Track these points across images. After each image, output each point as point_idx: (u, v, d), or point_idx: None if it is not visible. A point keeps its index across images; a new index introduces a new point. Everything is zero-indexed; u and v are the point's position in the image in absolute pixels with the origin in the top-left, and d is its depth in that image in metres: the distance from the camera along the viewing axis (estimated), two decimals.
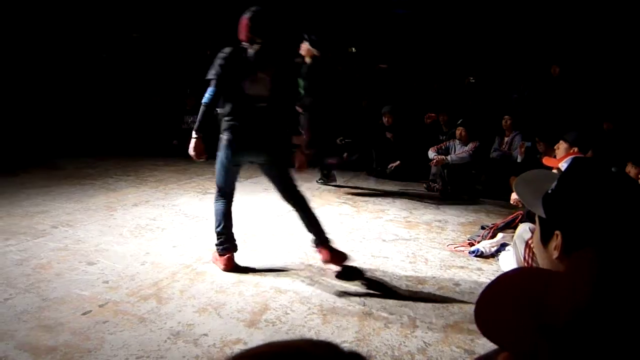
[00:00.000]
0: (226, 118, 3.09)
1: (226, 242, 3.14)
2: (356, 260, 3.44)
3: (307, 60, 5.61)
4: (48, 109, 7.99)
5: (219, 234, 3.17)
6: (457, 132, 6.38)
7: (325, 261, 3.21)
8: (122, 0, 9.18)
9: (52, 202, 4.48)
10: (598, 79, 7.29)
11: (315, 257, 3.42)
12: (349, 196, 5.69)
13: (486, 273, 3.35)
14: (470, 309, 2.72)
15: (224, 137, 3.13)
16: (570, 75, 7.26)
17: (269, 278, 2.99)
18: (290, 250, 3.57)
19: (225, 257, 3.10)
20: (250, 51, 3.00)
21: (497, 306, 0.78)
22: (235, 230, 3.91)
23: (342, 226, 4.35)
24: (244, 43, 3.05)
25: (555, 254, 0.89)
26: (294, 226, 4.22)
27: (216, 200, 3.30)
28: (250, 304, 2.60)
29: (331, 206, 5.12)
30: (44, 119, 7.89)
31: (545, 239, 0.94)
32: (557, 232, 0.89)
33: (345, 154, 7.78)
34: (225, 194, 3.29)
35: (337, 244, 3.76)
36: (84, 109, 8.44)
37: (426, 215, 5.00)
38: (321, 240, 3.25)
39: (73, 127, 8.18)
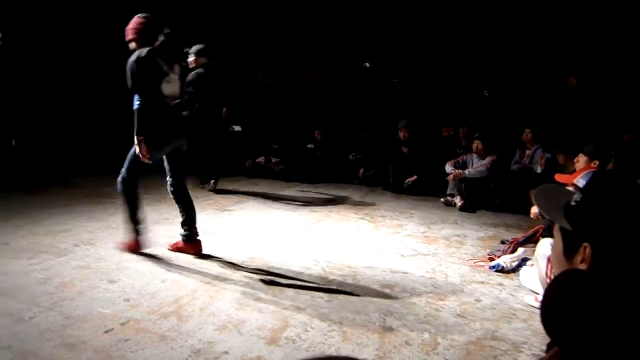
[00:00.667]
0: (147, 117, 3.43)
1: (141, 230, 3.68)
2: (375, 276, 3.42)
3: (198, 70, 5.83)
4: (66, 127, 8.15)
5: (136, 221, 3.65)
6: (474, 146, 6.36)
7: (178, 249, 3.75)
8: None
9: (74, 221, 4.55)
10: (616, 89, 7.21)
11: (335, 274, 3.42)
12: (367, 211, 5.68)
13: (507, 288, 3.30)
14: (492, 325, 2.68)
15: (147, 134, 3.48)
16: (588, 86, 7.20)
17: (288, 295, 2.99)
18: (309, 266, 3.57)
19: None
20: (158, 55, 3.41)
21: (564, 308, 0.78)
22: (253, 246, 3.96)
23: (360, 242, 4.34)
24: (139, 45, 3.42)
25: (582, 267, 0.88)
26: (311, 242, 4.24)
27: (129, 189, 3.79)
28: (270, 321, 2.60)
29: (349, 222, 5.11)
30: (63, 137, 8.05)
31: (569, 252, 0.93)
32: (585, 244, 0.88)
33: (361, 170, 7.80)
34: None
35: (356, 259, 3.77)
36: (102, 127, 8.59)
37: (444, 230, 4.96)
38: (192, 238, 3.75)
39: (92, 145, 8.34)
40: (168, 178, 3.82)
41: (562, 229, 0.96)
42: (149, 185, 6.60)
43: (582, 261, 0.88)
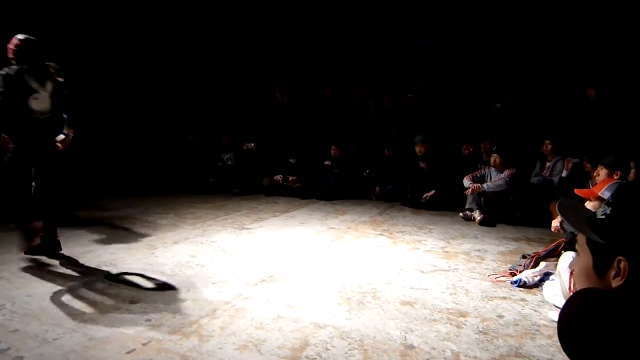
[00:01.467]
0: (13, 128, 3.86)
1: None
2: (395, 292, 3.40)
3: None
4: (88, 151, 8.31)
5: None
6: (492, 159, 6.32)
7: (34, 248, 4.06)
8: (155, 47, 9.60)
9: (96, 242, 4.63)
10: (635, 99, 7.12)
11: (354, 291, 3.41)
12: (385, 227, 5.66)
13: (530, 304, 3.25)
14: (515, 341, 2.63)
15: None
16: (607, 97, 7.12)
17: (308, 313, 2.98)
18: (329, 284, 3.56)
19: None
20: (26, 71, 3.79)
21: (580, 328, 0.78)
22: (272, 264, 3.97)
23: (380, 258, 4.32)
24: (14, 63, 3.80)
25: (616, 283, 0.85)
26: (331, 260, 4.23)
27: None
28: (290, 340, 2.59)
29: (367, 238, 5.10)
30: (85, 161, 8.20)
31: (601, 267, 0.90)
32: (620, 257, 0.85)
33: (377, 188, 7.79)
34: None
35: (375, 276, 3.75)
36: (123, 150, 8.76)
37: (464, 244, 4.91)
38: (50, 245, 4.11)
39: (112, 168, 8.50)
40: (33, 183, 4.09)
41: (590, 243, 0.93)
42: (168, 205, 6.70)
43: (615, 276, 0.86)
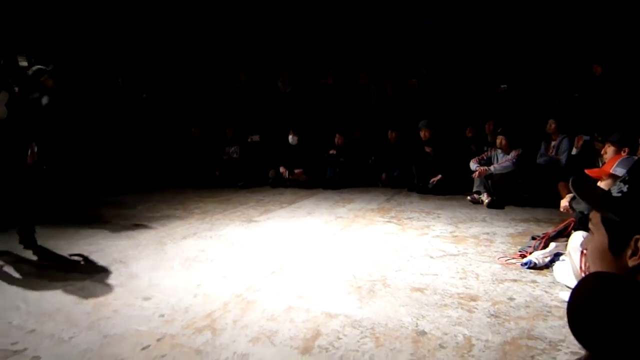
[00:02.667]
0: None
1: None
2: (405, 279, 3.41)
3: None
4: (94, 148, 8.35)
5: None
6: (497, 141, 6.29)
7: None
8: (155, 43, 9.58)
9: (105, 240, 4.65)
10: None
11: (364, 279, 3.42)
12: (393, 214, 5.66)
13: (541, 285, 3.24)
14: (526, 324, 2.63)
15: None
16: (615, 73, 7.03)
17: (319, 303, 3.00)
18: (338, 273, 3.57)
19: None
20: None
21: (591, 312, 0.76)
22: (281, 256, 3.99)
23: (389, 245, 4.32)
24: None
25: (633, 262, 0.84)
26: (340, 249, 4.24)
27: None
28: (302, 330, 2.61)
29: (375, 226, 5.10)
30: (90, 158, 8.24)
31: (617, 246, 0.88)
32: (637, 236, 0.83)
33: (383, 174, 7.77)
34: None
35: (385, 263, 3.75)
36: (128, 147, 8.78)
37: (473, 228, 4.90)
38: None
39: (118, 165, 8.53)
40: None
41: (606, 222, 0.91)
42: (175, 200, 6.73)
43: (632, 255, 0.85)
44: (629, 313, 0.72)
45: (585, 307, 0.77)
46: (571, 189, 1.01)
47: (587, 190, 0.99)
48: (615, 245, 0.88)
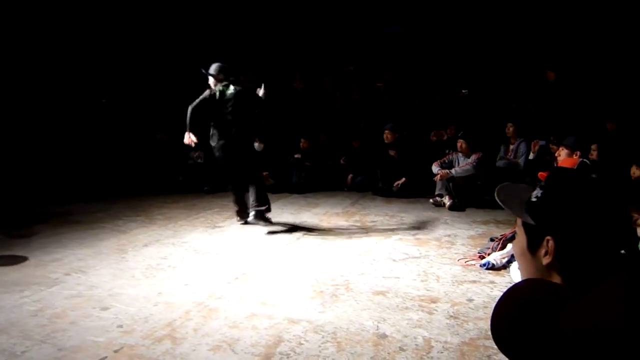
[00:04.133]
0: None
1: None
2: (368, 282, 3.44)
3: None
4: (52, 156, 8.11)
5: None
6: (458, 145, 6.42)
7: None
8: (116, 46, 9.38)
9: (64, 249, 4.52)
10: (597, 80, 7.32)
11: (327, 284, 3.43)
12: (357, 218, 5.71)
13: (499, 286, 3.33)
14: (485, 324, 2.70)
15: None
16: (567, 79, 7.30)
17: (282, 309, 3.00)
18: (302, 278, 3.58)
19: None
20: None
21: (510, 321, 0.81)
22: (245, 262, 3.96)
23: (352, 249, 4.36)
24: None
25: (546, 260, 0.91)
26: (304, 254, 4.25)
27: None
28: (264, 337, 2.60)
29: (340, 230, 5.13)
30: (49, 166, 8.00)
31: (533, 246, 0.95)
32: (548, 237, 0.90)
33: (349, 176, 7.83)
34: None
35: (348, 268, 3.78)
36: (89, 153, 8.57)
37: (435, 231, 4.99)
38: None
39: (80, 172, 8.30)
40: None
41: (524, 224, 0.99)
42: (138, 207, 6.60)
43: (545, 254, 0.91)
44: (538, 318, 0.76)
45: (505, 319, 0.82)
46: (496, 197, 1.08)
47: (513, 195, 1.05)
48: (532, 246, 0.96)
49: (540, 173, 3.86)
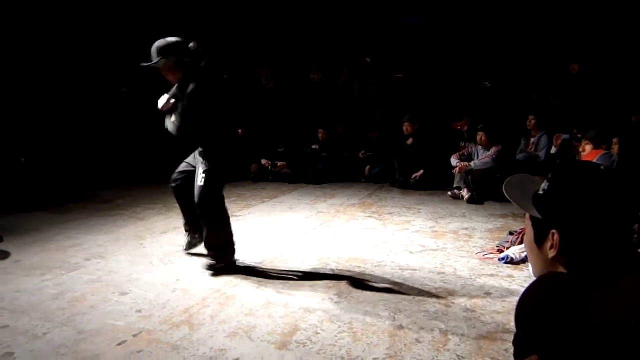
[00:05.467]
0: None
1: None
2: (384, 274, 3.43)
3: None
4: (73, 143, 8.21)
5: None
6: (478, 137, 6.35)
7: None
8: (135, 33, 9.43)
9: (84, 235, 4.59)
10: (621, 72, 7.15)
11: (344, 273, 3.44)
12: (374, 209, 5.69)
13: (517, 280, 3.30)
14: (502, 318, 2.68)
15: None
16: (591, 71, 7.15)
17: (298, 298, 3.00)
18: (318, 268, 3.58)
19: None
20: None
21: (536, 313, 0.81)
22: (261, 250, 3.98)
23: (368, 240, 4.34)
24: None
25: (551, 253, 0.91)
26: (319, 244, 4.25)
27: None
28: (280, 325, 2.61)
29: (356, 220, 5.12)
30: (70, 153, 8.11)
31: (539, 239, 0.95)
32: (553, 230, 0.90)
33: (367, 167, 7.80)
34: None
35: (364, 258, 3.77)
36: (109, 141, 8.66)
37: (452, 223, 4.95)
38: None
39: (99, 159, 8.41)
40: None
41: (531, 217, 0.98)
42: (156, 195, 6.66)
43: (551, 247, 0.91)
44: (565, 311, 0.75)
45: (529, 308, 0.81)
46: (503, 190, 1.08)
47: (523, 188, 1.04)
48: (539, 239, 0.96)
49: None
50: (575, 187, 0.89)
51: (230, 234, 3.57)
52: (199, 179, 3.42)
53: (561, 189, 0.91)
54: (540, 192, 0.96)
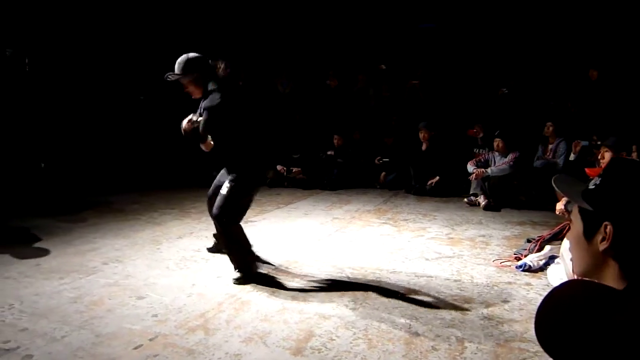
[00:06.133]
0: None
1: None
2: (400, 281, 3.41)
3: None
4: (92, 149, 8.34)
5: None
6: (495, 144, 6.30)
7: None
8: (153, 43, 9.56)
9: (102, 239, 4.65)
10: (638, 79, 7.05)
11: (359, 280, 3.42)
12: (389, 216, 5.66)
13: (535, 288, 3.25)
14: (520, 326, 2.64)
15: None
16: (610, 78, 7.05)
17: (313, 304, 3.00)
18: (333, 274, 3.57)
19: None
20: None
21: (558, 322, 0.82)
22: (276, 256, 3.98)
23: (384, 247, 4.32)
24: None
25: (603, 246, 0.91)
26: (335, 250, 4.24)
27: None
28: (295, 331, 2.61)
29: (372, 227, 5.10)
30: (89, 159, 8.24)
31: (589, 232, 0.96)
32: (606, 222, 0.91)
33: (382, 174, 7.78)
34: None
35: (380, 265, 3.75)
36: (127, 147, 8.78)
37: (469, 230, 4.91)
38: None
39: (117, 165, 8.52)
40: None
41: (581, 211, 0.99)
42: (172, 200, 6.72)
43: (602, 240, 0.91)
44: (604, 323, 0.74)
45: (557, 315, 0.81)
46: (553, 184, 1.10)
47: (569, 185, 1.07)
48: (588, 232, 0.96)
49: (587, 169, 3.76)
50: (632, 180, 0.91)
51: (246, 249, 3.60)
52: (224, 189, 3.49)
53: (616, 182, 0.93)
54: (592, 186, 0.98)
